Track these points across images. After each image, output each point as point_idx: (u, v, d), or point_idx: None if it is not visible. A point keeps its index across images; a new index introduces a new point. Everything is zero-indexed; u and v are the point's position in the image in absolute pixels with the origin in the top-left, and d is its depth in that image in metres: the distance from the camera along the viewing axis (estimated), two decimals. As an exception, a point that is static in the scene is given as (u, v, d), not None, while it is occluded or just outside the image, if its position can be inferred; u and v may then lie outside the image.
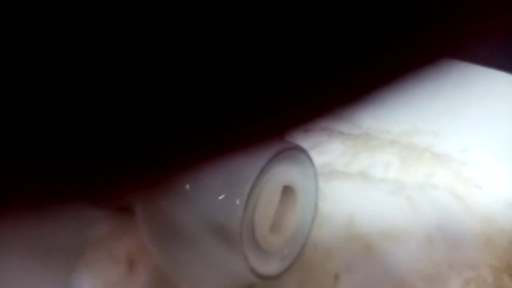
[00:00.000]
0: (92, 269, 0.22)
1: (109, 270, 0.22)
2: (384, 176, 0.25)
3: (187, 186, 0.19)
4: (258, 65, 0.11)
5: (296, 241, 0.21)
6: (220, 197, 0.18)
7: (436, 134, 0.27)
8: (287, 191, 0.21)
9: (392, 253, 0.22)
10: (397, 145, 0.27)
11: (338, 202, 0.24)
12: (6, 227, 0.21)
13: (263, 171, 0.19)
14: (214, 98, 0.11)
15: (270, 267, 0.20)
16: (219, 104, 0.11)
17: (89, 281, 0.22)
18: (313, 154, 0.23)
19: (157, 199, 0.20)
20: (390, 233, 0.22)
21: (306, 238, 0.22)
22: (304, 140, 0.28)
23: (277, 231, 0.21)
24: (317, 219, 0.23)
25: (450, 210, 0.23)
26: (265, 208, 0.19)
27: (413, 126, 0.28)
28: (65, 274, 0.22)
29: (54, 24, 0.08)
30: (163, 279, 0.21)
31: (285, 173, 0.20)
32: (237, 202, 0.18)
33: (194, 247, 0.19)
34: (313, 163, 0.22)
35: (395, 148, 0.27)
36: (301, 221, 0.22)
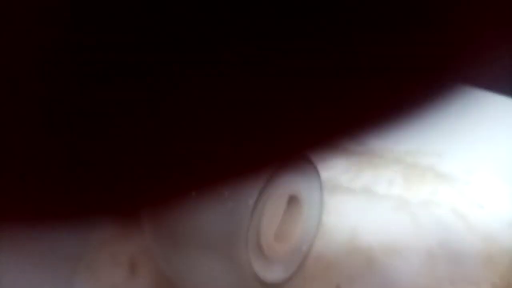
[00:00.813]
0: (94, 272, 0.22)
1: (111, 273, 0.22)
2: (387, 192, 0.25)
3: (193, 193, 0.20)
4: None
5: (299, 250, 0.22)
6: (227, 205, 0.19)
7: (440, 154, 0.28)
8: (293, 201, 0.21)
9: (394, 267, 0.22)
10: (401, 163, 0.27)
11: (342, 215, 0.24)
12: (7, 230, 0.21)
13: (270, 179, 0.19)
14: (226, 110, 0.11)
15: (274, 275, 0.20)
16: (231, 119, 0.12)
17: (91, 284, 0.22)
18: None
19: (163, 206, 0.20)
20: (392, 248, 0.22)
21: (309, 249, 0.22)
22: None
23: (281, 240, 0.21)
24: (321, 231, 0.23)
25: (452, 228, 0.23)
26: (271, 216, 0.20)
27: (417, 146, 0.29)
28: (67, 277, 0.22)
29: None
30: (166, 284, 0.21)
31: (291, 183, 0.20)
32: (244, 210, 0.18)
33: (199, 253, 0.19)
34: (320, 175, 0.22)
35: (399, 166, 0.27)
36: (305, 231, 0.22)
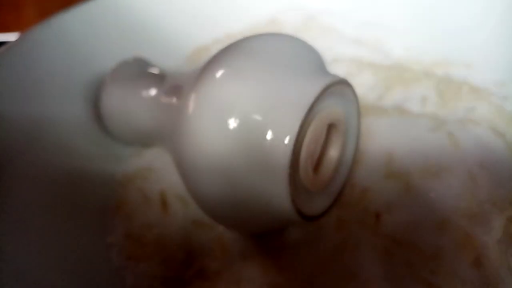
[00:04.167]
0: (124, 211, 0.21)
1: (143, 211, 0.21)
2: (421, 110, 0.24)
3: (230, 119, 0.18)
4: None
5: (338, 179, 0.21)
6: (267, 136, 0.17)
7: (469, 65, 0.26)
8: (331, 128, 0.20)
9: (433, 191, 0.21)
10: (432, 77, 0.26)
11: (375, 138, 0.23)
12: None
13: (310, 108, 0.17)
14: None
15: (314, 206, 0.19)
16: None
17: (122, 224, 0.21)
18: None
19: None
20: (430, 171, 0.22)
21: (347, 176, 0.21)
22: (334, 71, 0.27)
23: (320, 170, 0.20)
24: (355, 156, 0.22)
25: (492, 147, 0.22)
26: (310, 147, 0.18)
27: (444, 56, 0.27)
28: (97, 218, 0.21)
29: None
30: (200, 220, 0.21)
31: (331, 109, 0.19)
32: (286, 142, 0.17)
33: (235, 187, 0.18)
34: (357, 99, 0.20)
35: (430, 81, 0.26)
36: (343, 159, 0.21)
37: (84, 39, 0.25)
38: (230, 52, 0.19)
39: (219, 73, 0.18)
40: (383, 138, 0.23)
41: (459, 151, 0.22)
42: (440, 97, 0.24)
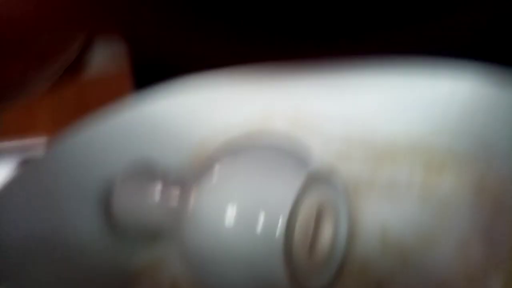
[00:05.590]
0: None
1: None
2: (411, 183, 0.25)
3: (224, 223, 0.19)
4: None
5: (334, 258, 0.22)
6: (258, 231, 0.19)
7: (452, 134, 0.27)
8: (321, 212, 0.21)
9: (429, 260, 0.22)
10: (418, 149, 0.27)
11: (368, 214, 0.24)
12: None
13: (295, 201, 0.19)
14: None
15: (313, 286, 0.21)
16: None
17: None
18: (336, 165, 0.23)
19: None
20: (424, 240, 0.23)
21: (344, 254, 0.22)
22: (325, 151, 0.29)
23: (315, 252, 0.21)
24: (350, 233, 0.23)
25: (482, 210, 0.23)
26: (302, 233, 0.20)
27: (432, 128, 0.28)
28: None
29: None
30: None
31: (316, 197, 0.20)
32: (277, 235, 0.19)
33: (237, 280, 0.19)
34: (343, 181, 0.22)
35: (416, 151, 0.27)
36: (337, 239, 0.22)
37: (96, 151, 0.28)
38: (226, 158, 0.21)
39: (216, 176, 0.21)
40: (376, 214, 0.24)
41: (450, 219, 0.23)
42: (427, 168, 0.26)
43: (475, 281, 0.21)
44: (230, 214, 0.19)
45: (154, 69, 0.36)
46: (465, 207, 0.24)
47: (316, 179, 0.20)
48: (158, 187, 0.25)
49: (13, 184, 0.24)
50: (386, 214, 0.24)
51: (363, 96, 0.30)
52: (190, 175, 0.23)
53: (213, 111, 0.31)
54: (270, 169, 0.20)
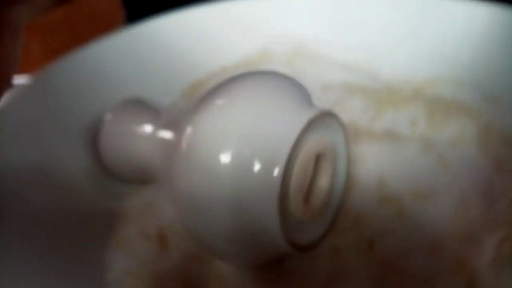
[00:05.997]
0: (124, 247, 0.22)
1: (142, 248, 0.22)
2: (412, 133, 0.25)
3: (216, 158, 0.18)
4: None
5: (329, 208, 0.21)
6: (255, 170, 0.18)
7: (459, 83, 0.26)
8: (320, 158, 0.20)
9: (425, 215, 0.21)
10: (421, 98, 0.26)
11: (367, 164, 0.23)
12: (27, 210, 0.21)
13: (297, 141, 0.18)
14: None
15: (307, 236, 0.20)
16: None
17: (122, 260, 0.21)
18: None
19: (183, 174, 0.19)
20: (423, 194, 0.22)
21: (339, 204, 0.22)
22: (324, 97, 0.27)
23: (311, 200, 0.20)
24: (348, 183, 0.22)
25: (482, 168, 0.22)
26: (299, 178, 0.19)
27: (433, 75, 0.27)
28: (96, 253, 0.21)
29: None
30: (197, 254, 0.21)
31: (318, 140, 0.19)
32: (275, 174, 0.17)
33: (228, 222, 0.18)
34: (344, 128, 0.21)
35: (420, 102, 0.26)
36: (334, 187, 0.21)
37: (83, 83, 0.26)
38: (221, 90, 0.20)
39: (210, 110, 0.19)
40: (375, 163, 0.23)
41: (450, 173, 0.22)
42: (430, 118, 0.25)
43: (469, 243, 0.20)
44: (226, 150, 0.18)
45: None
46: (466, 163, 0.23)
47: (317, 121, 0.19)
48: (149, 124, 0.23)
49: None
50: (384, 164, 0.23)
51: (369, 19, 0.29)
52: (184, 111, 0.22)
53: (209, 49, 0.30)
54: (272, 99, 0.19)
